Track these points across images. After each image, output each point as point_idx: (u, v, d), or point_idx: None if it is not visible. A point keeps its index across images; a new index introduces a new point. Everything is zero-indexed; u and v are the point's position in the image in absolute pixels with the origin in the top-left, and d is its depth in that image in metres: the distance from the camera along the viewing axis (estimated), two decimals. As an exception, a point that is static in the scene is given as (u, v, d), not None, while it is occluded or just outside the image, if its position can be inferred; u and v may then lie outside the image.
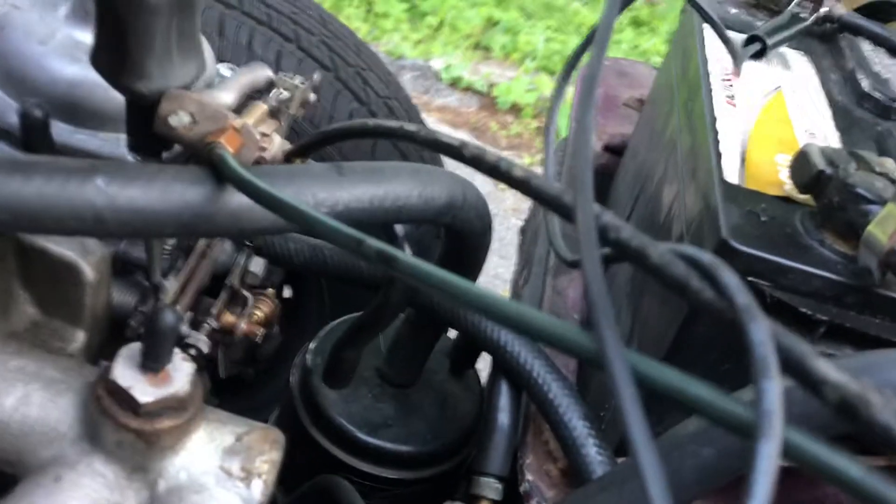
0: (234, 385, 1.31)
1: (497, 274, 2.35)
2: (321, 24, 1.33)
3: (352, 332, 0.70)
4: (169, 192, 0.43)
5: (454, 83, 3.19)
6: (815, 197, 0.55)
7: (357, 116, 1.25)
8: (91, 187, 0.41)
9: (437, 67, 3.24)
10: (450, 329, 0.73)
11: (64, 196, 0.40)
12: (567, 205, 0.35)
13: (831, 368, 0.23)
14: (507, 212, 2.68)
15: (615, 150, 1.05)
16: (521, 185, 0.37)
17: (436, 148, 0.42)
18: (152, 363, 0.45)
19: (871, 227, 0.51)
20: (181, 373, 0.46)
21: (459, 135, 2.97)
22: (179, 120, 0.46)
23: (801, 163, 0.56)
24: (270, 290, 0.75)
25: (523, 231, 1.35)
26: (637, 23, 4.01)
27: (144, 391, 0.45)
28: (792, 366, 0.24)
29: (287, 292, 1.35)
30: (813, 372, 0.23)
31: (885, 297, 0.51)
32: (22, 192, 0.40)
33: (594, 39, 0.37)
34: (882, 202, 0.52)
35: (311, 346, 0.76)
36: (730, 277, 0.27)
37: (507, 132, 3.02)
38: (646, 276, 0.32)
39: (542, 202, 0.36)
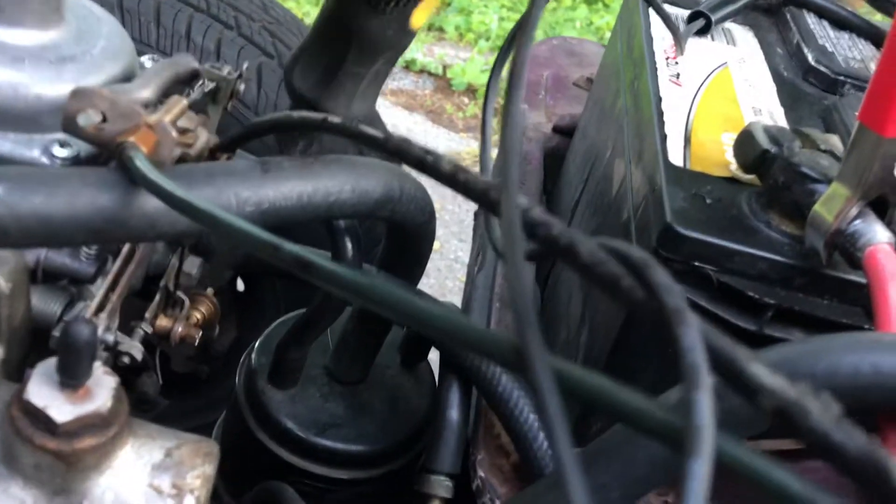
0: (188, 382, 1.28)
1: (457, 257, 2.33)
2: (262, 10, 1.29)
3: (295, 330, 0.67)
4: (76, 197, 0.40)
5: (408, 66, 3.15)
6: (760, 177, 0.54)
7: (302, 104, 1.22)
8: (-11, 196, 0.38)
9: (391, 50, 3.20)
10: (398, 323, 0.71)
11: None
12: (494, 200, 0.33)
13: (767, 374, 0.22)
14: (466, 194, 2.66)
15: (565, 131, 1.04)
16: (448, 179, 0.35)
17: (360, 140, 0.40)
18: (70, 379, 0.42)
19: (816, 207, 0.50)
20: (103, 388, 0.44)
21: (415, 118, 2.94)
22: (88, 119, 0.43)
23: (744, 142, 0.55)
24: (210, 290, 0.72)
25: (477, 215, 1.34)
26: (590, 0, 4.00)
27: (62, 410, 0.42)
28: (725, 371, 0.22)
29: (240, 286, 1.32)
30: (748, 378, 0.22)
31: (832, 278, 0.51)
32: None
33: (519, 33, 0.34)
34: (827, 181, 0.51)
35: (256, 345, 0.73)
36: (660, 277, 0.25)
37: (463, 114, 3.00)
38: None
39: (469, 197, 0.34)
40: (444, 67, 3.17)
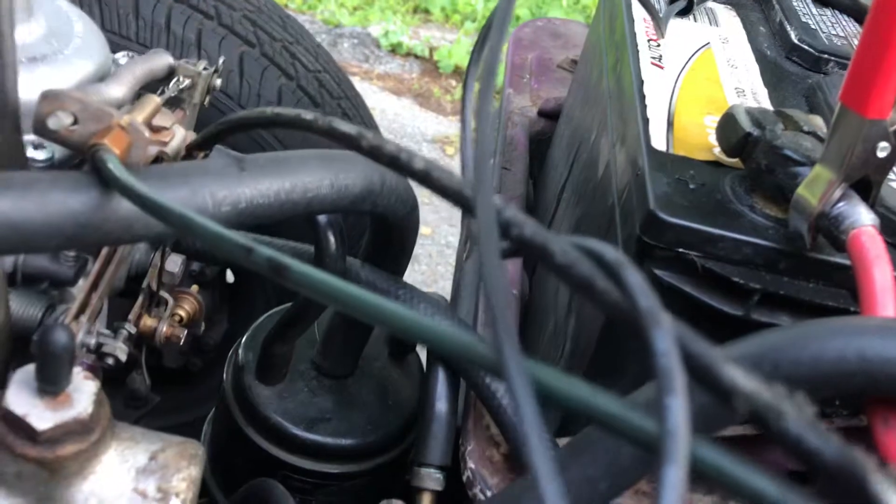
0: (181, 376, 1.28)
1: (448, 242, 2.33)
2: (242, -2, 1.27)
3: (281, 325, 0.67)
4: (47, 202, 0.39)
5: (394, 49, 3.13)
6: (744, 161, 0.54)
7: (286, 93, 1.21)
8: (-44, 204, 0.37)
9: (376, 34, 3.18)
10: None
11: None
12: (468, 199, 0.32)
13: (741, 376, 0.21)
14: (456, 178, 2.65)
15: (550, 115, 1.03)
16: (422, 177, 0.35)
17: (332, 137, 0.40)
18: (49, 386, 0.42)
19: (800, 190, 0.50)
20: (83, 393, 0.43)
21: (403, 102, 2.92)
22: (59, 121, 0.42)
23: (727, 126, 0.54)
24: (194, 287, 0.71)
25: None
26: (576, -22, 3.97)
27: (42, 417, 0.41)
28: (700, 374, 0.22)
29: (230, 277, 1.31)
30: (722, 381, 0.21)
31: (817, 261, 0.50)
32: None
33: (491, 28, 0.34)
34: (811, 163, 0.50)
35: (242, 341, 0.73)
36: (634, 278, 0.24)
37: (451, 96, 2.98)
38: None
39: (443, 196, 0.34)
40: (431, 50, 3.15)
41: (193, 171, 0.44)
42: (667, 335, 0.22)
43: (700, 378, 0.22)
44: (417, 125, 2.82)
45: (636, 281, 0.24)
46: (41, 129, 0.43)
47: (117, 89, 0.48)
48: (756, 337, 0.41)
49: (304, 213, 0.49)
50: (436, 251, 2.28)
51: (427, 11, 3.41)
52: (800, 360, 0.38)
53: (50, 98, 0.43)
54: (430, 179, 0.34)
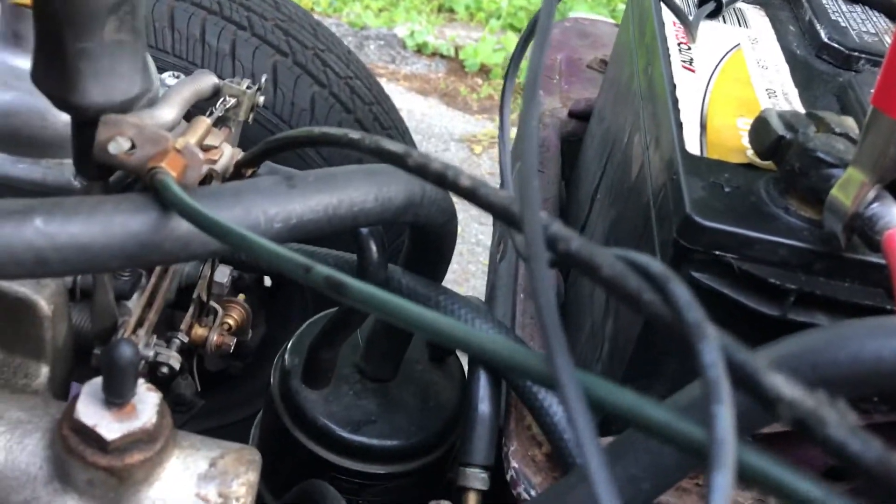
0: (221, 379, 1.31)
1: (479, 240, 2.34)
2: (274, 8, 1.30)
3: (326, 331, 0.69)
4: (111, 224, 0.41)
5: (420, 49, 3.15)
6: (777, 163, 0.55)
7: (318, 100, 1.23)
8: (30, 229, 0.39)
9: (402, 35, 3.20)
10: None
11: (2, 241, 0.39)
12: (515, 215, 0.34)
13: (785, 384, 0.23)
14: (485, 176, 2.67)
15: (581, 116, 1.04)
16: (469, 194, 0.36)
17: (379, 156, 0.41)
18: (116, 398, 0.44)
19: (833, 191, 0.51)
20: (147, 404, 0.45)
21: (430, 102, 2.94)
22: (119, 146, 0.45)
23: (759, 129, 0.55)
24: (241, 296, 0.74)
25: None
26: (601, -29, 3.96)
27: (110, 428, 0.44)
28: (745, 382, 0.23)
29: (267, 281, 1.34)
30: (767, 389, 0.23)
31: (852, 261, 0.51)
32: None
33: (535, 38, 0.35)
34: (843, 165, 0.51)
35: (288, 346, 0.75)
36: (680, 291, 0.26)
37: (477, 95, 2.99)
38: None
39: (490, 212, 0.35)
40: (457, 49, 3.16)
41: (246, 190, 0.46)
42: (713, 347, 0.23)
43: (745, 386, 0.23)
44: (445, 125, 2.84)
45: (683, 294, 0.26)
46: (102, 154, 0.45)
47: (169, 112, 0.50)
48: (794, 338, 0.42)
49: (350, 227, 0.50)
50: (466, 250, 2.30)
51: (452, 10, 3.43)
52: (838, 361, 0.39)
53: (109, 124, 0.45)
54: (476, 196, 0.36)
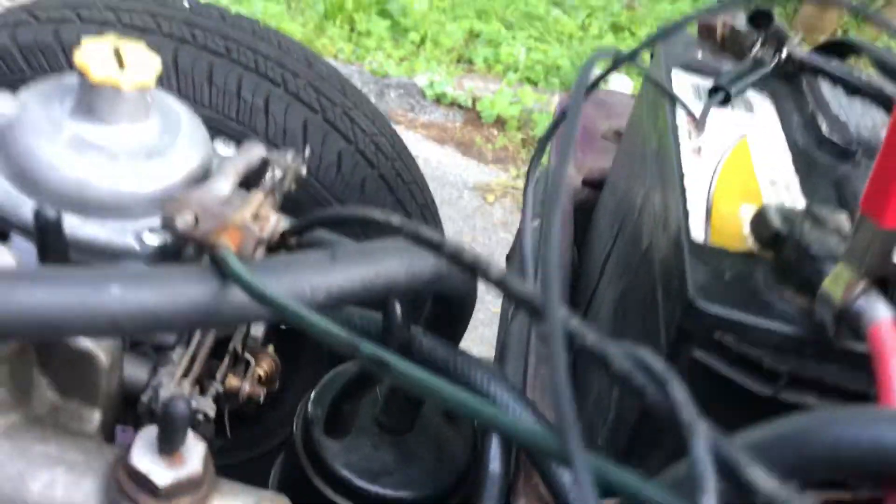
0: (239, 414, 1.35)
1: (487, 289, 2.38)
2: (307, 66, 1.36)
3: (349, 385, 0.74)
4: (178, 293, 0.47)
5: (438, 99, 3.23)
6: (774, 254, 0.60)
7: (345, 156, 1.29)
8: (107, 295, 0.45)
9: (422, 84, 3.28)
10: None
11: (84, 306, 0.44)
12: (537, 308, 0.39)
13: (763, 477, 0.28)
14: (496, 225, 2.73)
15: (594, 184, 1.10)
16: (497, 283, 0.41)
17: (417, 242, 0.47)
18: (168, 447, 0.49)
19: (825, 284, 0.55)
20: (194, 453, 0.50)
21: (446, 150, 3.01)
22: (184, 221, 0.50)
23: (759, 222, 0.61)
24: (270, 348, 0.79)
25: (508, 258, 1.40)
26: (616, 28, 4.07)
27: (162, 475, 0.48)
28: (729, 474, 0.28)
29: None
30: (747, 481, 0.27)
31: (840, 349, 0.56)
32: (46, 302, 0.44)
33: (561, 134, 0.41)
34: (835, 260, 0.56)
35: (311, 396, 0.80)
36: (678, 392, 0.31)
37: (492, 146, 3.07)
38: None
39: (515, 302, 0.40)
40: (474, 100, 3.25)
41: (294, 263, 0.51)
42: (702, 445, 0.28)
43: (729, 476, 0.28)
44: (459, 173, 2.90)
45: (680, 395, 0.30)
46: (169, 227, 0.50)
47: (225, 186, 0.56)
48: (784, 420, 0.47)
49: (383, 297, 0.56)
50: (477, 298, 2.34)
51: (471, 62, 3.52)
52: (819, 445, 0.44)
53: (174, 202, 0.51)
54: (504, 286, 0.41)
